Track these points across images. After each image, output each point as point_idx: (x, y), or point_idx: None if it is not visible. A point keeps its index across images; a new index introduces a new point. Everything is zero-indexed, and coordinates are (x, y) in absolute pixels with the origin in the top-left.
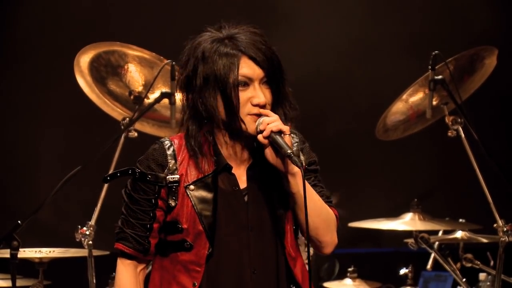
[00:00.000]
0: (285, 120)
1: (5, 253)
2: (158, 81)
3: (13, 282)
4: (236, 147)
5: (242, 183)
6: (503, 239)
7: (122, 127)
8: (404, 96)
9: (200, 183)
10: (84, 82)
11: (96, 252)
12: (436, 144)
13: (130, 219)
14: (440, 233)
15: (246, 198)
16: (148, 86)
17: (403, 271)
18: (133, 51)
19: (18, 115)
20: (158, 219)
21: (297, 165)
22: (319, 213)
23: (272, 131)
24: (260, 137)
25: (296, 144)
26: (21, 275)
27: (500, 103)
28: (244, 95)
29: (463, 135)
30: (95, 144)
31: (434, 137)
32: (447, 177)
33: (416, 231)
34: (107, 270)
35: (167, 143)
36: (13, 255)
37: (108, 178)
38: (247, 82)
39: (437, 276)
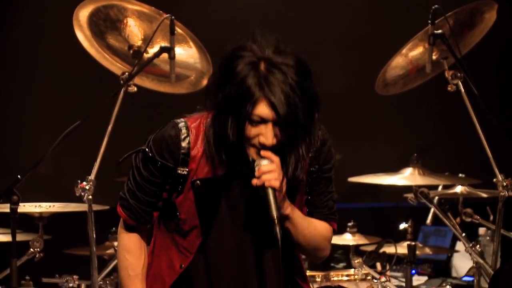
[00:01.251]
0: (293, 165)
1: (5, 208)
2: (157, 36)
3: (13, 237)
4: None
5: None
6: (503, 193)
7: (122, 81)
8: (404, 51)
9: (207, 182)
10: (83, 36)
11: (96, 207)
12: (436, 98)
13: (136, 192)
14: (440, 188)
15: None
16: (148, 41)
17: (402, 225)
18: (132, 5)
19: (17, 69)
20: (163, 197)
21: (275, 233)
22: (309, 242)
23: (265, 184)
24: (254, 181)
25: (312, 152)
26: (21, 229)
27: (499, 58)
28: (254, 130)
29: (462, 90)
30: (95, 99)
31: (434, 92)
32: (446, 132)
33: (415, 186)
34: (107, 224)
35: (184, 132)
36: (13, 210)
37: (121, 160)
38: (260, 122)
39: (437, 231)
